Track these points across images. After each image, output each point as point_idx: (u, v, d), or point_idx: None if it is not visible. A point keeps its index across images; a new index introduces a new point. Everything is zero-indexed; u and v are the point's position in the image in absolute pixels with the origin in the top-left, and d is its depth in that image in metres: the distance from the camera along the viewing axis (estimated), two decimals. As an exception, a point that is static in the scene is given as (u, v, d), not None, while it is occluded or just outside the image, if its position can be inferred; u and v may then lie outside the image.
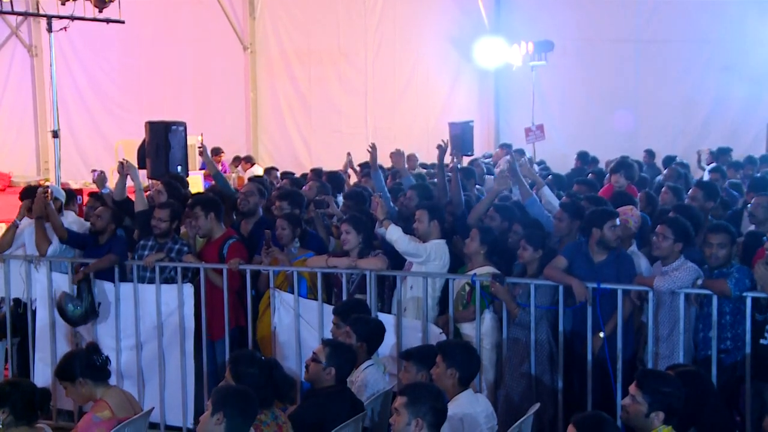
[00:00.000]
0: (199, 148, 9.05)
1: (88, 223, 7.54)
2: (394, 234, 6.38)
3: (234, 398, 4.15)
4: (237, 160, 17.38)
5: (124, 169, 7.81)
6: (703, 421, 4.45)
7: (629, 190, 8.87)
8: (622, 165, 9.42)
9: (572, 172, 11.94)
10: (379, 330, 5.54)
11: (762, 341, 5.61)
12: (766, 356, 5.58)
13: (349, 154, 11.45)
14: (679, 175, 10.32)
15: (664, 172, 11.44)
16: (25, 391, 4.55)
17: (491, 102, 20.28)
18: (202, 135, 12.94)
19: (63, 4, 11.31)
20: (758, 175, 11.13)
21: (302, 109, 19.93)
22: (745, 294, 5.54)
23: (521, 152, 14.77)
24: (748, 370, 5.60)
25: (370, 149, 8.05)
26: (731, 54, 16.78)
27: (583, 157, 13.37)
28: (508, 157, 8.55)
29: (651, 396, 4.17)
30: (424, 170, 11.59)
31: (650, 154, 13.79)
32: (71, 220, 7.69)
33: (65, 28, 11.63)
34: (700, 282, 5.71)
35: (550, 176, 10.20)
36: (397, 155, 8.46)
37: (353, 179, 11.31)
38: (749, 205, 7.20)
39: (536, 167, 11.59)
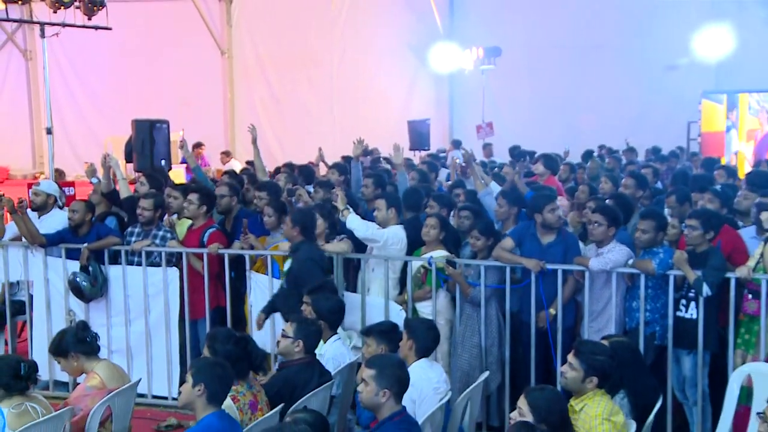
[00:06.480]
0: (180, 141, 8.97)
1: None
2: (352, 222, 6.37)
3: (212, 370, 4.13)
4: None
5: (106, 161, 7.72)
6: (630, 384, 4.52)
7: (550, 181, 9.03)
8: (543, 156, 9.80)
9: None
10: (338, 308, 5.51)
11: (678, 313, 5.72)
12: (682, 327, 5.67)
13: (320, 149, 11.45)
14: (620, 163, 11.05)
15: (607, 161, 11.81)
16: (10, 365, 4.47)
17: (446, 102, 20.39)
18: (183, 130, 12.80)
19: (55, 12, 11.13)
20: (679, 167, 11.49)
21: (275, 109, 19.87)
22: (668, 273, 5.65)
23: (457, 143, 14.79)
24: (670, 338, 5.71)
25: (356, 141, 8.14)
26: (657, 58, 17.05)
27: (512, 151, 13.34)
28: (462, 151, 8.56)
29: (586, 363, 4.21)
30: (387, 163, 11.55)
31: (631, 150, 13.92)
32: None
33: (57, 34, 11.47)
34: (630, 262, 5.79)
35: (495, 168, 10.36)
36: (396, 150, 8.17)
37: (323, 171, 11.27)
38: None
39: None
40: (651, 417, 4.45)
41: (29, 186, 8.80)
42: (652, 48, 17.04)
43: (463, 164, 9.68)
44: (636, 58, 17.36)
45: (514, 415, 3.87)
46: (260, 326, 6.20)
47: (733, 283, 5.52)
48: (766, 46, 16.27)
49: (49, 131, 11.35)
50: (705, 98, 16.12)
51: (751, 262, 5.54)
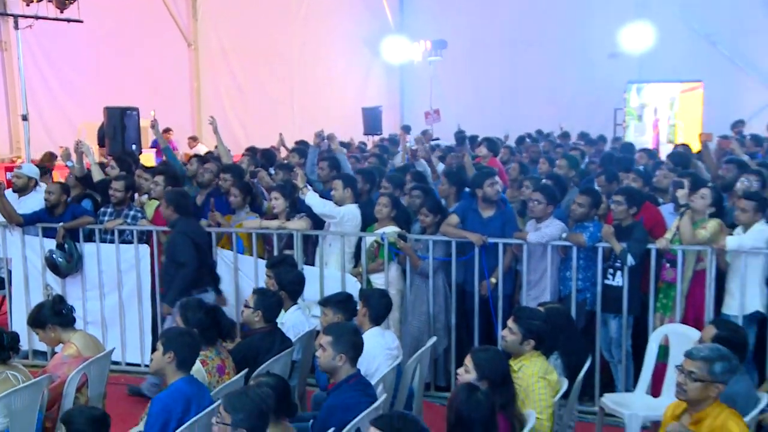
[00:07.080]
0: (152, 121, 8.79)
1: None
2: (311, 199, 6.35)
3: (181, 338, 4.10)
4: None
5: (78, 147, 7.57)
6: (563, 346, 4.60)
7: (492, 162, 9.12)
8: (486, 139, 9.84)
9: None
10: (298, 280, 5.49)
11: (606, 281, 5.83)
12: (609, 294, 5.79)
13: (281, 134, 11.34)
14: (555, 145, 11.27)
15: (543, 144, 11.96)
16: None
17: (397, 90, 20.38)
18: (154, 111, 12.53)
19: (27, 5, 10.81)
20: (607, 150, 11.75)
21: (239, 97, 19.61)
22: (597, 245, 5.75)
23: (407, 129, 14.81)
24: (599, 304, 5.82)
25: (316, 134, 8.19)
26: (587, 51, 17.27)
27: (456, 135, 13.32)
28: (416, 137, 8.65)
29: (524, 327, 4.26)
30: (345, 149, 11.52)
31: (565, 135, 13.98)
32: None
33: (30, 26, 11.15)
34: (564, 236, 5.87)
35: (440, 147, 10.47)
36: (331, 138, 8.41)
37: (284, 154, 11.18)
38: None
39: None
40: (581, 375, 4.55)
41: (7, 169, 8.60)
42: (582, 41, 17.27)
43: (414, 148, 9.73)
44: (568, 51, 17.60)
45: (461, 371, 3.91)
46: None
47: (653, 253, 5.65)
48: (682, 40, 16.62)
49: (24, 118, 11.05)
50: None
51: (669, 235, 5.68)
